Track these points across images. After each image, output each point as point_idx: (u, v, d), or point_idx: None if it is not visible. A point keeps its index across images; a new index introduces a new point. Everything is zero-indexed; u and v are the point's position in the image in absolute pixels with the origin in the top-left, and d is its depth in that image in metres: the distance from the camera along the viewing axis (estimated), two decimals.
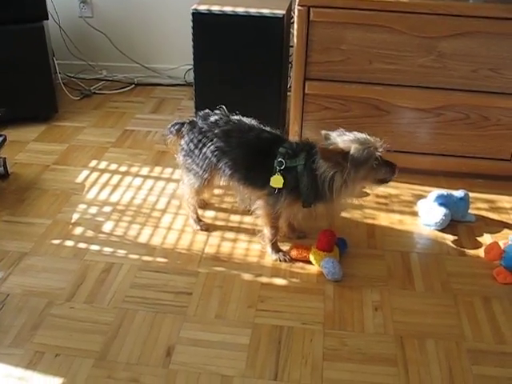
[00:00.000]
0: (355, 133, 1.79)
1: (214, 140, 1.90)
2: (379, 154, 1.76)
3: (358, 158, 1.73)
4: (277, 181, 1.83)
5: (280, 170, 1.82)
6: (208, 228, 2.12)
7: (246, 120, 1.94)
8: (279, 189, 1.84)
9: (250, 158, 1.89)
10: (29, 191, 2.35)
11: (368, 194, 2.34)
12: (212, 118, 1.94)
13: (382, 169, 1.79)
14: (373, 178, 1.81)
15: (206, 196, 2.21)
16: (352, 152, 1.73)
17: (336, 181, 1.75)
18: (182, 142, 2.00)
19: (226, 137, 1.90)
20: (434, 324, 1.73)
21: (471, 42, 2.21)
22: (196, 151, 1.94)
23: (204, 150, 1.91)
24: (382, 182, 1.83)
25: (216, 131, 1.91)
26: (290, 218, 2.01)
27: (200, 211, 2.20)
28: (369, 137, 1.79)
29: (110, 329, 1.68)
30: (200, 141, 1.93)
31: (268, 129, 1.93)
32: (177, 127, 2.03)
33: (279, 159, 1.82)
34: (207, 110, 2.00)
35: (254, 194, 1.95)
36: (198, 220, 2.13)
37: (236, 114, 1.97)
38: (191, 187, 2.02)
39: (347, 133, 1.79)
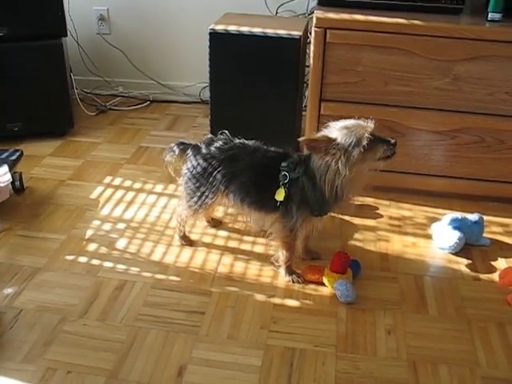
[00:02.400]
0: (342, 120, 1.77)
1: (222, 166, 1.90)
2: (369, 133, 1.71)
3: (346, 143, 1.70)
4: (279, 194, 1.83)
5: (284, 184, 1.83)
6: (192, 244, 2.14)
7: (250, 142, 1.94)
8: (288, 205, 1.83)
9: (259, 180, 1.89)
10: (44, 206, 2.37)
11: (381, 216, 2.34)
12: (216, 144, 1.94)
13: (379, 147, 1.73)
14: (372, 159, 1.75)
15: (203, 216, 2.20)
16: (339, 138, 1.71)
17: (330, 171, 1.73)
18: (186, 166, 1.99)
19: (233, 161, 1.90)
20: (448, 349, 1.71)
21: (487, 65, 2.21)
22: (201, 178, 1.94)
23: (210, 177, 1.91)
24: (385, 158, 1.76)
25: (222, 157, 1.90)
26: (308, 235, 2.00)
27: (213, 230, 2.21)
28: (357, 120, 1.76)
29: (122, 347, 1.68)
30: (205, 168, 1.92)
31: (273, 148, 1.92)
32: (181, 148, 2.01)
33: (283, 173, 1.83)
34: (210, 136, 2.01)
35: (267, 217, 1.94)
36: (184, 237, 2.14)
37: (239, 137, 1.96)
38: (191, 210, 2.02)
39: (333, 123, 1.78)
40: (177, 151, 2.02)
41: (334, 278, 1.89)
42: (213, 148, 1.93)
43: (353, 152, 1.70)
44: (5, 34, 2.67)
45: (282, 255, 1.96)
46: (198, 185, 1.95)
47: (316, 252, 2.09)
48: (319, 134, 1.77)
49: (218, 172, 1.90)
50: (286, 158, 1.86)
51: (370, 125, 1.74)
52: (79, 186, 2.53)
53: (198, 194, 1.96)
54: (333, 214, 2.30)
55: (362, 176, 1.78)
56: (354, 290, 1.87)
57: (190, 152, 1.98)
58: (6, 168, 2.26)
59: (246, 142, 1.95)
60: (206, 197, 1.95)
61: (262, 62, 2.47)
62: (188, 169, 1.98)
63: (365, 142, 1.70)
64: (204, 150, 1.95)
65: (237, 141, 1.95)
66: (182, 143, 2.03)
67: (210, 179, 1.92)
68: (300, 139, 1.74)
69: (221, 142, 1.94)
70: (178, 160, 2.04)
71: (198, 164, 1.95)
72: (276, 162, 1.86)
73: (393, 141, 1.75)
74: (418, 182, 2.44)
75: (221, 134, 1.99)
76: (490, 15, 2.22)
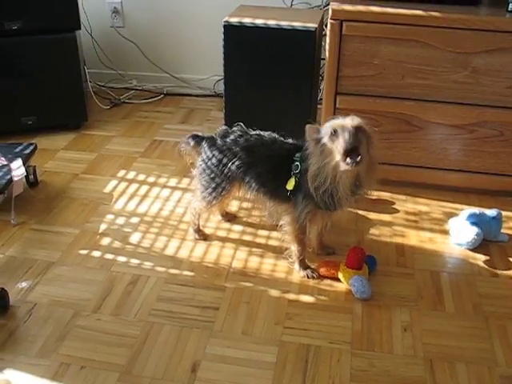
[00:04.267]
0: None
1: (237, 157, 1.89)
2: (335, 126, 1.67)
3: (321, 131, 1.72)
4: (290, 183, 1.83)
5: (295, 174, 1.82)
6: (206, 238, 2.13)
7: (266, 134, 1.93)
8: (297, 196, 1.82)
9: (275, 170, 1.88)
10: (57, 200, 2.36)
11: (398, 211, 2.31)
12: (232, 136, 1.93)
13: (336, 146, 1.66)
14: (336, 156, 1.67)
15: (217, 210, 2.19)
16: (322, 132, 1.72)
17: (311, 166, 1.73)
18: (200, 158, 1.98)
19: (250, 152, 1.89)
20: (465, 347, 1.69)
21: (507, 57, 2.16)
22: (216, 169, 1.93)
23: (225, 168, 1.90)
24: (346, 161, 1.65)
25: (237, 148, 1.90)
26: (321, 230, 1.98)
27: (227, 225, 2.20)
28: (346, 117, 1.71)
29: (135, 342, 1.67)
30: (221, 160, 1.92)
31: (290, 140, 1.91)
32: (196, 140, 2.01)
33: (295, 163, 1.82)
34: (225, 127, 2.00)
35: (280, 207, 1.93)
36: (198, 230, 2.13)
37: (254, 129, 1.95)
38: (205, 202, 2.00)
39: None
40: (192, 143, 2.01)
41: (350, 273, 1.87)
42: (228, 140, 1.93)
43: (322, 140, 1.70)
44: (19, 28, 2.66)
45: (294, 249, 1.95)
46: (212, 176, 1.94)
47: (331, 247, 2.07)
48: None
49: (233, 163, 1.90)
50: (301, 149, 1.85)
51: (353, 121, 1.67)
52: (93, 179, 2.52)
53: (213, 185, 1.95)
54: (348, 209, 2.29)
55: (332, 172, 1.70)
56: (369, 286, 1.85)
57: (204, 143, 1.97)
58: (20, 162, 2.26)
59: (262, 133, 1.94)
60: (223, 188, 1.94)
61: (276, 55, 2.44)
62: (203, 160, 1.97)
63: (331, 131, 1.67)
64: (219, 142, 1.94)
65: (252, 132, 1.94)
66: (196, 135, 2.02)
67: (225, 170, 1.91)
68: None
69: (236, 134, 1.93)
70: (193, 152, 2.03)
71: (214, 155, 1.94)
72: (292, 153, 1.85)
73: (351, 142, 1.63)
74: (435, 176, 2.41)
75: (236, 125, 1.98)
76: (510, 6, 2.17)
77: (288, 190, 1.84)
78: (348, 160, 1.64)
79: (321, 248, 2.05)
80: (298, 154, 1.84)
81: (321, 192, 1.74)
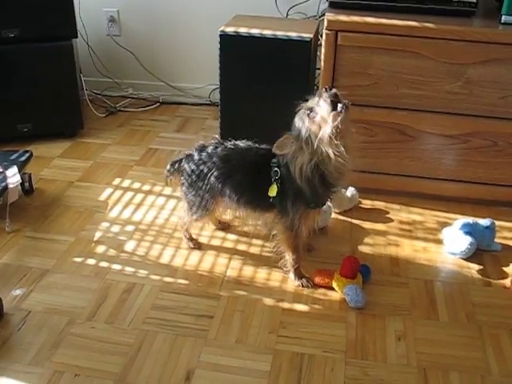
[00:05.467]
0: None
1: (215, 167, 1.91)
2: (307, 108, 1.72)
3: (296, 128, 1.74)
4: (272, 190, 1.84)
5: (276, 180, 1.83)
6: (200, 246, 2.13)
7: (241, 143, 1.95)
8: (283, 202, 1.84)
9: (253, 178, 1.90)
10: (52, 207, 2.36)
11: (392, 220, 2.32)
12: (208, 149, 1.96)
13: (323, 108, 1.69)
14: (325, 124, 1.69)
15: (209, 220, 2.20)
16: (293, 130, 1.76)
17: (295, 160, 1.75)
18: (182, 177, 2.01)
19: (226, 162, 1.91)
20: (459, 356, 1.69)
21: (500, 68, 2.19)
22: (198, 183, 1.95)
23: (206, 180, 1.93)
24: (337, 115, 1.67)
25: (214, 159, 1.92)
26: (311, 231, 1.97)
27: (222, 233, 2.21)
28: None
29: (129, 350, 1.67)
30: (201, 172, 1.94)
31: (263, 146, 1.93)
32: (176, 165, 2.04)
33: (274, 169, 1.83)
34: (202, 142, 2.02)
35: (264, 216, 1.96)
36: (191, 239, 2.14)
37: (229, 140, 1.97)
38: (194, 218, 2.03)
39: None
40: (172, 170, 2.04)
41: (344, 282, 1.88)
42: (205, 153, 1.95)
43: (302, 130, 1.72)
44: (16, 36, 2.67)
45: (289, 258, 1.95)
46: (195, 191, 1.97)
47: (310, 244, 2.08)
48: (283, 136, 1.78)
49: (212, 174, 1.92)
50: (275, 154, 1.86)
51: (318, 97, 1.72)
52: (88, 187, 2.53)
53: (198, 200, 1.97)
54: (343, 218, 2.31)
55: (330, 146, 1.70)
56: (363, 295, 1.85)
57: (184, 161, 2.00)
58: (15, 169, 2.26)
59: (237, 142, 1.95)
60: (206, 202, 1.96)
61: (272, 65, 2.46)
62: (185, 178, 1.99)
63: (306, 114, 1.71)
64: (196, 156, 1.96)
65: (228, 143, 1.96)
66: (174, 162, 2.05)
67: (206, 182, 1.93)
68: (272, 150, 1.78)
69: (212, 147, 1.96)
70: (178, 176, 2.04)
71: (193, 171, 1.96)
72: (267, 159, 1.87)
73: (326, 93, 1.70)
74: (429, 186, 2.42)
75: (212, 139, 2.02)
76: (503, 18, 2.20)
77: (270, 197, 1.85)
78: (338, 107, 1.67)
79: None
80: (274, 160, 1.85)
81: (312, 182, 1.75)
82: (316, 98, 1.73)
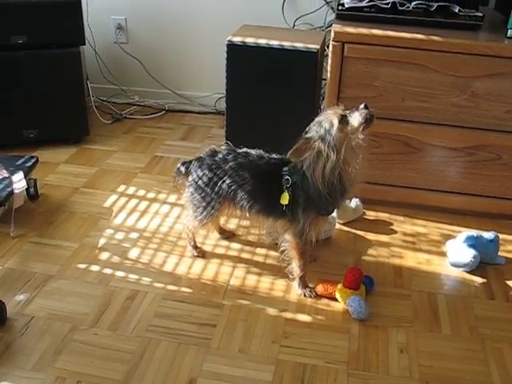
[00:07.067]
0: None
1: (227, 176, 1.91)
2: (338, 113, 1.75)
3: (320, 132, 1.75)
4: (284, 198, 1.85)
5: (287, 188, 1.84)
6: (204, 255, 2.14)
7: (253, 151, 1.96)
8: (294, 209, 1.85)
9: (265, 187, 1.91)
10: (57, 213, 2.37)
11: (395, 232, 2.32)
12: (220, 155, 1.96)
13: (353, 117, 1.74)
14: (352, 131, 1.74)
15: (212, 227, 2.22)
16: (313, 133, 1.77)
17: (316, 165, 1.76)
18: (190, 178, 2.01)
19: (238, 171, 1.91)
20: (461, 369, 1.69)
21: (505, 82, 2.19)
22: (206, 188, 1.95)
23: (216, 187, 1.93)
24: (365, 125, 1.73)
25: (226, 167, 1.92)
26: (317, 239, 1.97)
27: (226, 242, 2.21)
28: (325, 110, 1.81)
29: (132, 358, 1.67)
30: (211, 178, 1.94)
31: (275, 155, 1.94)
32: (185, 166, 2.04)
33: (286, 177, 1.85)
34: (213, 147, 2.02)
35: (276, 223, 1.95)
36: (196, 247, 2.15)
37: (241, 148, 1.98)
38: (197, 221, 2.02)
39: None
40: (183, 170, 2.04)
41: (347, 293, 1.88)
42: (217, 158, 1.95)
43: (329, 135, 1.73)
44: (24, 42, 2.69)
45: (296, 266, 1.95)
46: (203, 195, 1.96)
47: (312, 254, 2.06)
48: (299, 141, 1.79)
49: (224, 182, 1.92)
50: (287, 162, 1.88)
51: (338, 108, 1.78)
52: (93, 194, 2.53)
53: (204, 204, 1.97)
54: (347, 229, 2.31)
55: (351, 154, 1.77)
56: (366, 306, 1.85)
57: (194, 164, 2.00)
58: (21, 174, 2.27)
59: (249, 150, 1.96)
60: (212, 207, 1.96)
61: (278, 75, 2.47)
62: (193, 180, 1.99)
63: (336, 121, 1.73)
64: (208, 161, 1.96)
65: (240, 150, 1.96)
66: (184, 162, 2.05)
67: (216, 189, 1.93)
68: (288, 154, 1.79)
69: (224, 152, 1.96)
70: (186, 179, 2.05)
71: (204, 174, 1.96)
72: (279, 168, 1.88)
73: (362, 105, 1.75)
74: (433, 198, 2.42)
75: (224, 144, 2.02)
76: (509, 32, 2.21)
77: (282, 205, 1.86)
78: (369, 122, 1.72)
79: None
80: (285, 168, 1.86)
81: (333, 186, 1.78)
82: (351, 110, 1.76)
